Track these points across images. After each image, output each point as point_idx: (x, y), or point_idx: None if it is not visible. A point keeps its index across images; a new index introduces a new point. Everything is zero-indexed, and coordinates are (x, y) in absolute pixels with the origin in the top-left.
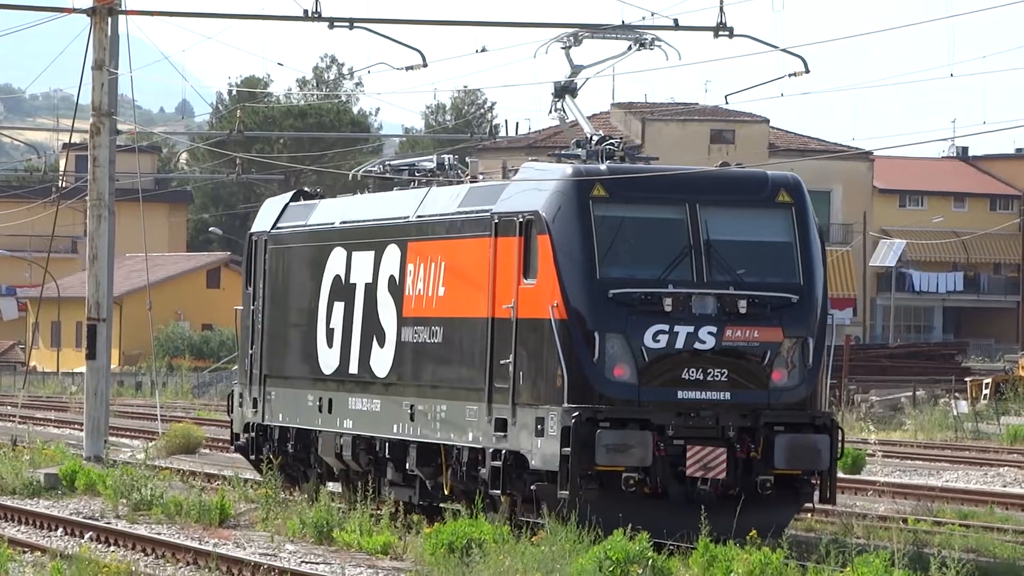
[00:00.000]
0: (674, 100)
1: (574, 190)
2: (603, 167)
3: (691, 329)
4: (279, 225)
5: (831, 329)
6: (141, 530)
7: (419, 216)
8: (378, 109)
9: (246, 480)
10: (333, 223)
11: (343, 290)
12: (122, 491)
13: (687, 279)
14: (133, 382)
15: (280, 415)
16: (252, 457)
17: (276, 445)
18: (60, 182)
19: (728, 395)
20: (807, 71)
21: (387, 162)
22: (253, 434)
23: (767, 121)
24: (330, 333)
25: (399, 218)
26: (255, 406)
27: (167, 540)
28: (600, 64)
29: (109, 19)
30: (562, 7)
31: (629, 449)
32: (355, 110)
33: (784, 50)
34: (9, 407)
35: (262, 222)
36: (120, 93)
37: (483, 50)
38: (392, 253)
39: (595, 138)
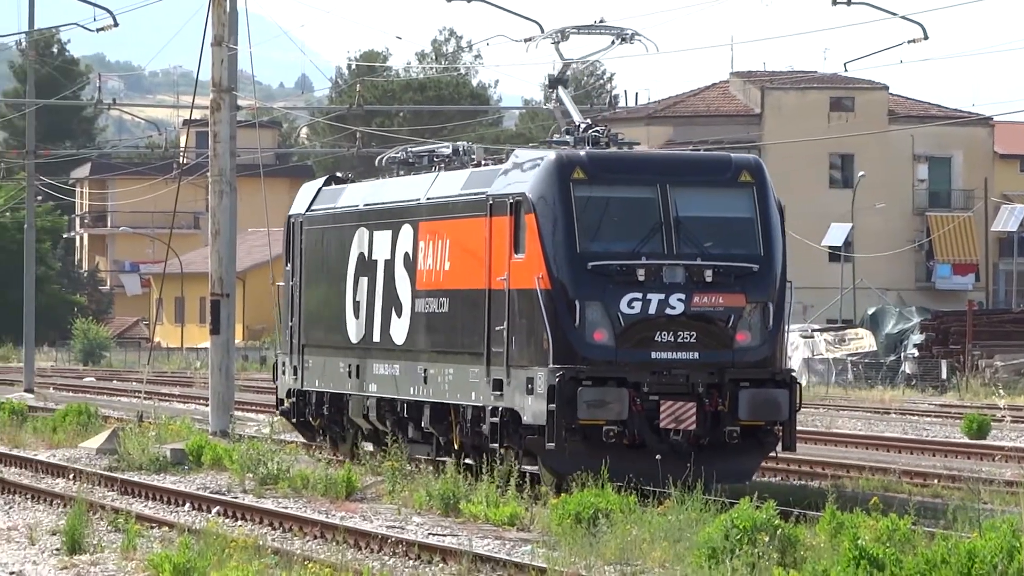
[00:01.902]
0: (793, 68)
1: (556, 173)
2: (583, 153)
3: (662, 296)
4: (313, 208)
5: (790, 294)
6: (268, 504)
7: (428, 198)
8: (497, 81)
9: (372, 452)
10: (358, 205)
11: (366, 266)
12: (248, 465)
13: (658, 252)
14: (257, 356)
15: (316, 381)
16: (294, 420)
17: (314, 409)
18: (181, 158)
19: (697, 355)
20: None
21: (408, 148)
22: (294, 399)
23: (886, 88)
24: (356, 305)
25: (412, 200)
26: (295, 373)
27: (294, 514)
28: (587, 57)
29: None
30: None
31: (608, 404)
32: (474, 83)
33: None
34: (134, 383)
35: (299, 205)
36: (239, 69)
37: (601, 22)
38: (406, 232)
39: (583, 126)
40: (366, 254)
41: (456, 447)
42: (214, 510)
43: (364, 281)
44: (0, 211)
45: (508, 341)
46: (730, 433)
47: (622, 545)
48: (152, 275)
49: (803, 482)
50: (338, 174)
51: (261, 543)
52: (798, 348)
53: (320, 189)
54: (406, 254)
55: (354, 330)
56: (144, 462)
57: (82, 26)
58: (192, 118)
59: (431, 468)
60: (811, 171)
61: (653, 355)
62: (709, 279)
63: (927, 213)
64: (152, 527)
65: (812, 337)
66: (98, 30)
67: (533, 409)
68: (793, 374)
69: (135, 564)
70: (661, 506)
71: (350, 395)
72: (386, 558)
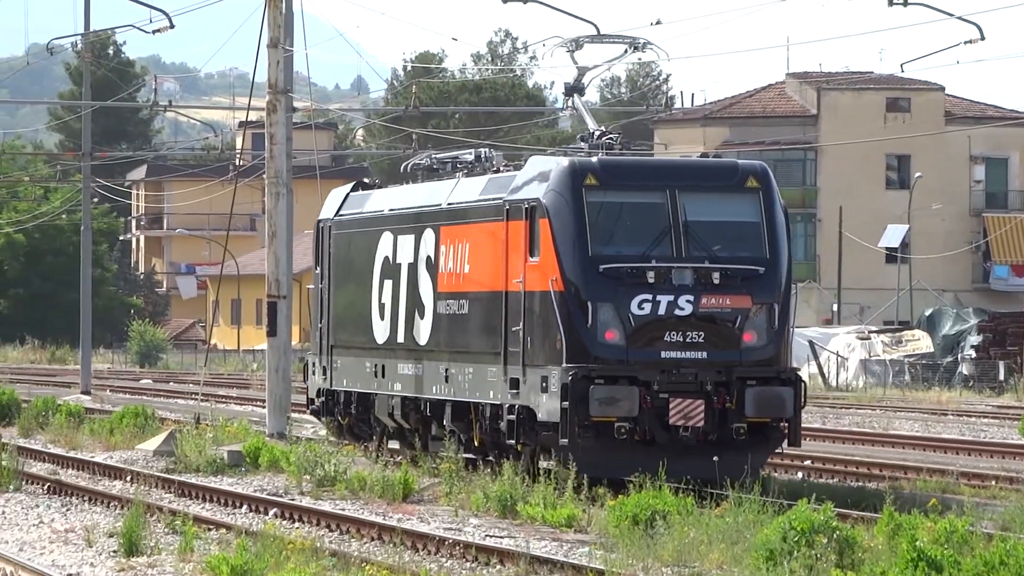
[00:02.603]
0: (849, 69)
1: (569, 180)
2: (595, 159)
3: (671, 298)
4: (341, 212)
5: (795, 296)
6: (325, 506)
7: (449, 204)
8: (553, 83)
9: (432, 455)
10: (383, 210)
11: (391, 269)
12: (305, 467)
13: (668, 255)
14: None
15: (344, 380)
16: (324, 419)
17: (342, 408)
18: (237, 160)
19: (705, 354)
20: (983, 38)
21: (432, 155)
22: (324, 398)
23: (943, 89)
24: (382, 307)
25: (434, 205)
26: (324, 373)
27: (351, 516)
28: (600, 66)
29: None
30: None
31: (618, 402)
32: (530, 84)
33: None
34: (191, 385)
35: (327, 210)
36: (295, 70)
37: (658, 23)
38: (429, 236)
39: (597, 133)
40: (391, 258)
41: (476, 443)
42: (271, 512)
43: (389, 284)
44: (56, 213)
45: (524, 341)
46: (737, 429)
47: (679, 547)
48: (208, 277)
49: (861, 484)
50: (365, 180)
51: (318, 545)
52: (855, 349)
53: (348, 195)
54: (428, 257)
55: (380, 331)
56: (201, 464)
57: (138, 28)
58: (248, 120)
59: (488, 470)
60: (867, 172)
61: (663, 354)
62: (716, 281)
63: (984, 214)
64: (209, 529)
65: (869, 338)
66: (154, 32)
67: (547, 407)
68: (799, 372)
69: (192, 566)
70: (719, 508)
71: (376, 394)
72: (443, 560)
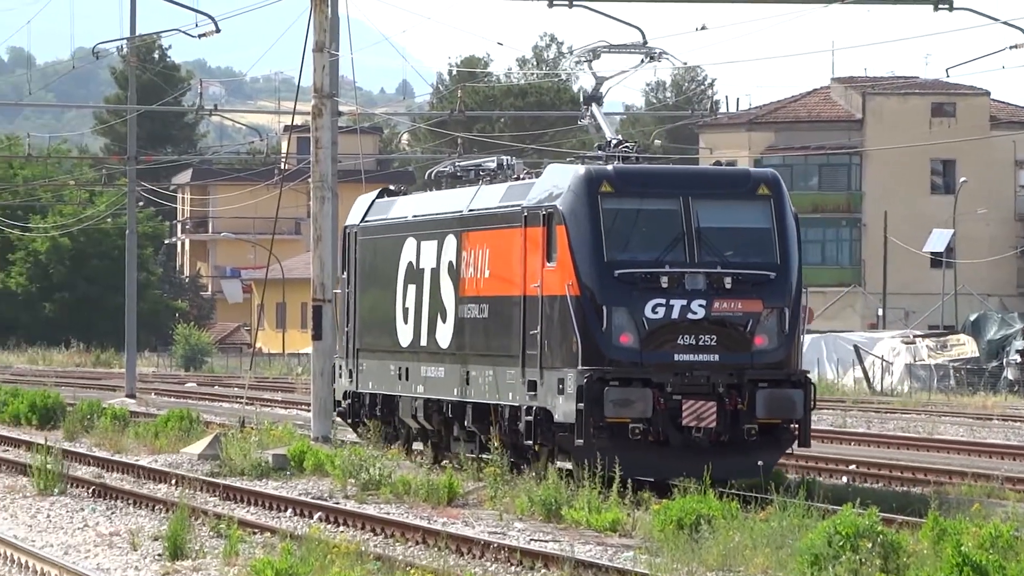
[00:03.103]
0: (894, 74)
1: (585, 187)
2: (610, 167)
3: (684, 302)
4: (366, 219)
5: (805, 300)
6: (370, 510)
7: (471, 210)
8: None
9: (475, 459)
10: (407, 217)
11: (415, 274)
12: (350, 471)
13: (681, 260)
14: None
15: (370, 383)
16: (349, 421)
17: (367, 410)
18: (282, 164)
19: (717, 357)
20: None
21: (457, 163)
22: (350, 401)
23: (988, 93)
24: (405, 311)
25: (456, 212)
26: (351, 376)
27: (396, 520)
28: (617, 76)
29: (329, 1)
30: None
31: (632, 403)
32: (575, 88)
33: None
34: (236, 389)
35: (354, 216)
36: (341, 75)
37: (703, 28)
38: (450, 242)
39: (614, 142)
40: (414, 263)
41: (496, 444)
42: (316, 516)
43: (412, 288)
44: (102, 217)
45: (541, 344)
46: (748, 430)
47: (724, 551)
48: (254, 281)
49: (905, 488)
50: (390, 187)
51: (363, 549)
52: (900, 354)
53: (373, 201)
54: (450, 263)
55: (404, 335)
56: (246, 467)
57: (184, 32)
58: (293, 124)
59: (532, 474)
60: (912, 177)
61: (676, 357)
62: (728, 286)
63: None
64: (254, 533)
65: (914, 343)
66: (200, 36)
67: (564, 408)
68: (808, 375)
69: (237, 570)
70: (763, 512)
71: (400, 396)
72: (488, 564)
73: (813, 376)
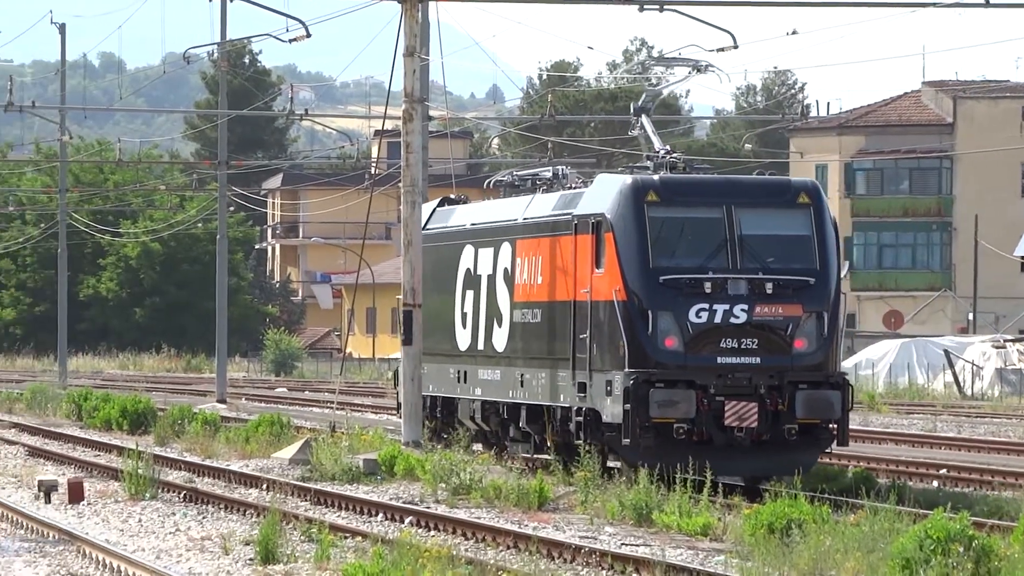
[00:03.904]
0: (985, 78)
1: (632, 196)
2: (656, 177)
3: (727, 307)
4: (428, 227)
5: (843, 305)
6: (461, 514)
7: (525, 219)
8: (688, 91)
9: (565, 465)
10: (465, 225)
11: (472, 280)
12: (441, 476)
13: (724, 266)
14: None
15: (431, 386)
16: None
17: (428, 412)
18: (373, 169)
19: (758, 360)
20: None
21: (514, 172)
22: None
23: None
24: (464, 316)
25: (511, 220)
26: None
27: (487, 524)
28: (666, 87)
29: (420, 6)
30: None
31: (677, 404)
32: (665, 92)
33: None
34: (326, 394)
35: None
36: (431, 79)
37: (794, 32)
38: (506, 249)
39: (662, 152)
40: (472, 269)
41: (550, 444)
42: (407, 520)
43: (470, 294)
44: (192, 222)
45: (590, 348)
46: (789, 430)
47: (815, 555)
48: (344, 286)
49: (996, 492)
50: (451, 195)
51: (454, 553)
52: (990, 358)
53: (434, 210)
54: (505, 269)
55: (462, 339)
56: (337, 472)
57: (274, 37)
58: (384, 128)
59: (623, 478)
60: (1003, 180)
61: (719, 360)
62: (770, 291)
63: None
64: (345, 537)
65: (1004, 347)
66: (290, 41)
67: (611, 409)
68: (846, 376)
69: (328, 574)
70: (854, 516)
71: (459, 398)
72: (579, 568)
73: (903, 381)
